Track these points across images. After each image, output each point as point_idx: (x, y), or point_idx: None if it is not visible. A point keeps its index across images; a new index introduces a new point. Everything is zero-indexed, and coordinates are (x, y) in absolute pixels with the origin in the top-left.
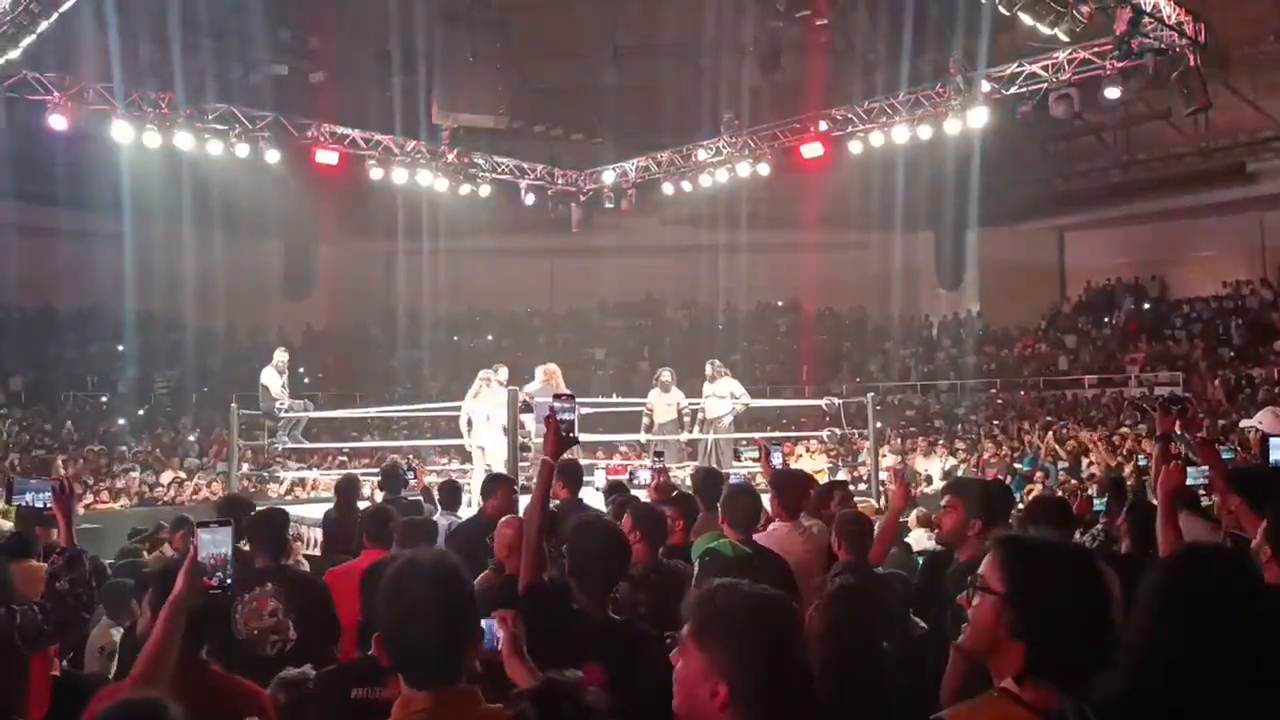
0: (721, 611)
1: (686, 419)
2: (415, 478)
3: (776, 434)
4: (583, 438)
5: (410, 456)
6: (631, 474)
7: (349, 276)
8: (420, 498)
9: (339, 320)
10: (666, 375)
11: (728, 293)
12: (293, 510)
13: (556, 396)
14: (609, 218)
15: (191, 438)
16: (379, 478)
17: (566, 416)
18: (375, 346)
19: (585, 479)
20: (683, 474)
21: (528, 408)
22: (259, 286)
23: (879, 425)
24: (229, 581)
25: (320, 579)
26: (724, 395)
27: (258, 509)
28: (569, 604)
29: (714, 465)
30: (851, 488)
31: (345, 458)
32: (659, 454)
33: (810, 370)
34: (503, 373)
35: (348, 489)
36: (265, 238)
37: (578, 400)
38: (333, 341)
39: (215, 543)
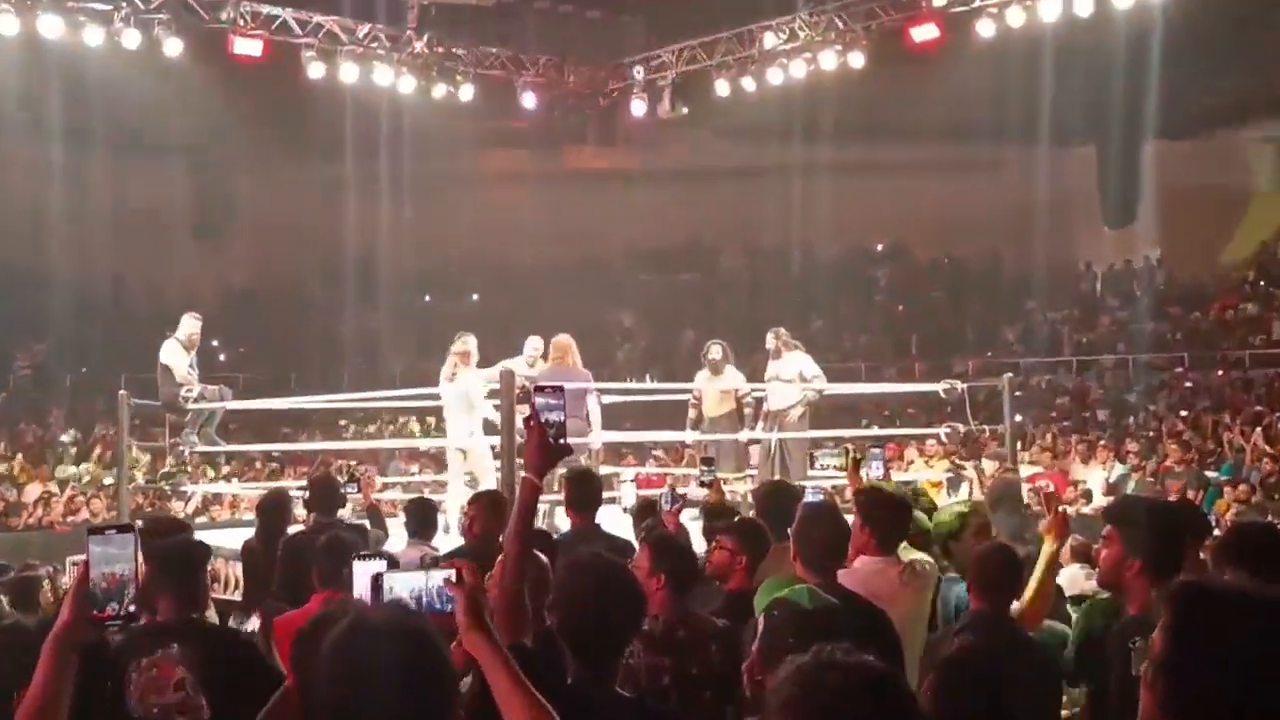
0: (814, 704)
1: (748, 411)
2: (359, 491)
3: (872, 432)
4: (606, 437)
5: (356, 465)
6: (672, 489)
7: (280, 215)
8: (366, 521)
9: (267, 275)
10: (718, 351)
11: (805, 234)
12: (205, 537)
13: (539, 389)
14: (640, 131)
15: (65, 437)
16: (305, 492)
17: (554, 416)
18: (317, 311)
19: (608, 495)
20: (743, 488)
21: (529, 396)
22: (157, 229)
23: (1018, 419)
24: (131, 609)
25: (244, 635)
26: (790, 377)
27: (161, 538)
28: (561, 675)
29: (783, 476)
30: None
31: (276, 464)
32: (708, 461)
33: (922, 341)
34: (469, 341)
35: (274, 510)
36: (165, 162)
37: (597, 386)
38: (259, 304)
39: (111, 558)
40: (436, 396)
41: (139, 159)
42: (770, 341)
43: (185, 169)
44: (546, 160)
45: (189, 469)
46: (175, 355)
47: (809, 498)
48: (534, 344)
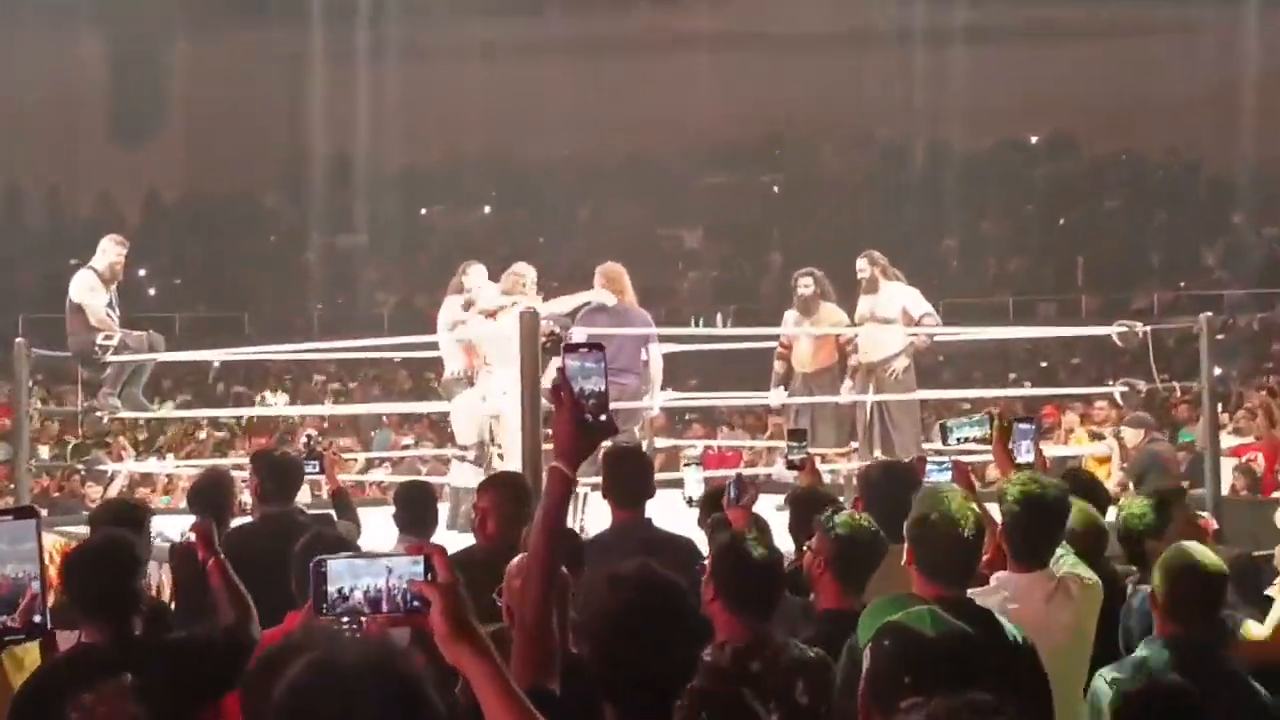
0: None
1: (853, 362)
2: (322, 471)
3: (1022, 391)
4: (666, 400)
5: (316, 435)
6: (738, 475)
7: (227, 99)
8: (332, 511)
9: (209, 181)
10: (810, 283)
11: (934, 121)
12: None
13: (570, 349)
14: None
15: None
16: (252, 472)
17: (591, 384)
18: (275, 229)
19: (665, 477)
20: (847, 468)
21: (559, 343)
22: (61, 124)
23: (1218, 372)
24: (36, 620)
25: (226, 639)
26: (891, 316)
27: (79, 537)
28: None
29: (886, 453)
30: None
31: (225, 434)
32: (798, 435)
33: (1091, 267)
34: (475, 274)
35: (211, 496)
36: (69, 35)
37: (656, 330)
38: (199, 221)
39: (2, 555)
40: (431, 343)
41: (33, 30)
42: (863, 268)
43: (97, 43)
44: (580, 24)
45: (108, 441)
46: (90, 291)
47: (931, 479)
48: (477, 273)
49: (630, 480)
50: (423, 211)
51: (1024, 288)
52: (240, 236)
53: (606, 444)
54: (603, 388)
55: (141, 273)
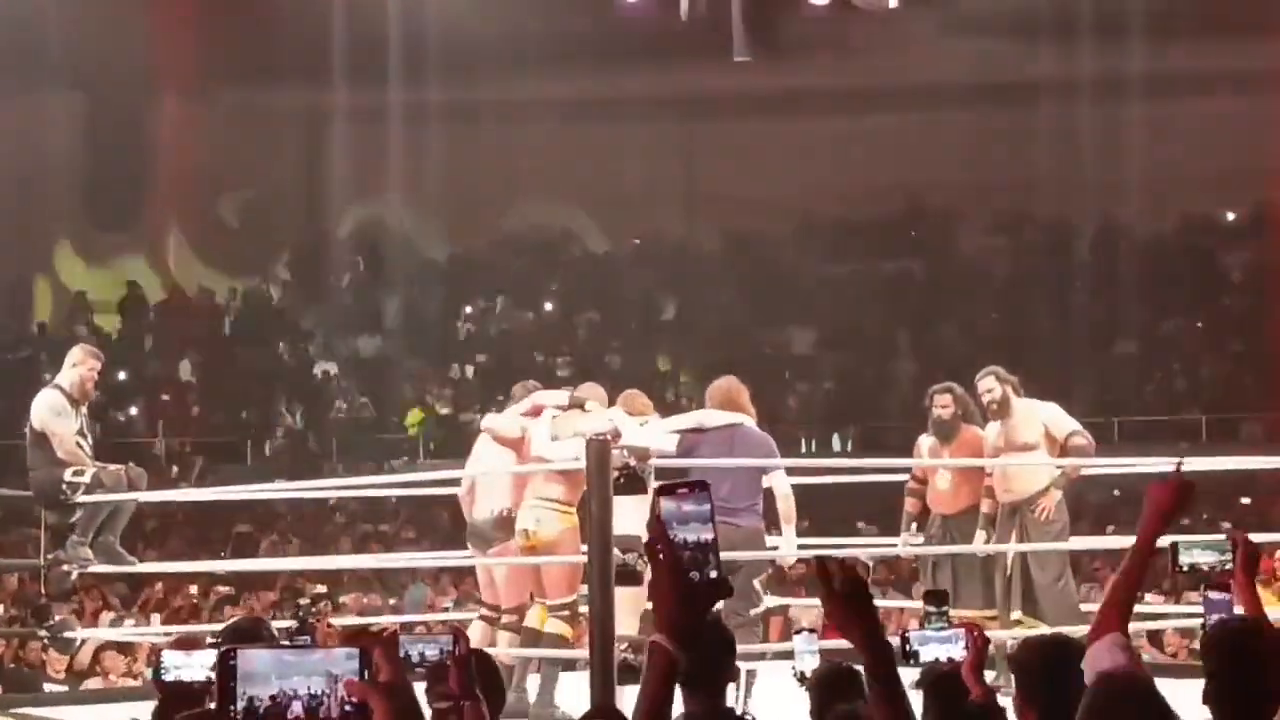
0: None
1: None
2: (313, 642)
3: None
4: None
5: (306, 606)
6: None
7: (228, 166)
8: None
9: (206, 275)
10: (948, 404)
11: (1103, 194)
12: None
13: (666, 491)
14: (819, 31)
15: None
16: (217, 643)
17: (695, 534)
18: (287, 331)
19: (769, 649)
20: (1003, 636)
21: (634, 478)
22: (28, 208)
23: None
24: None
25: None
26: (1033, 441)
27: None
28: None
29: (1027, 614)
30: None
31: (229, 589)
32: (936, 597)
33: None
34: (549, 397)
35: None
36: (43, 99)
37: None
38: (194, 323)
39: None
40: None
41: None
42: (991, 388)
43: (81, 100)
44: (662, 81)
45: (73, 602)
46: (56, 416)
47: (1100, 661)
48: (549, 396)
49: (705, 656)
50: (467, 309)
51: (1220, 402)
52: (244, 341)
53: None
54: (710, 537)
55: (121, 383)
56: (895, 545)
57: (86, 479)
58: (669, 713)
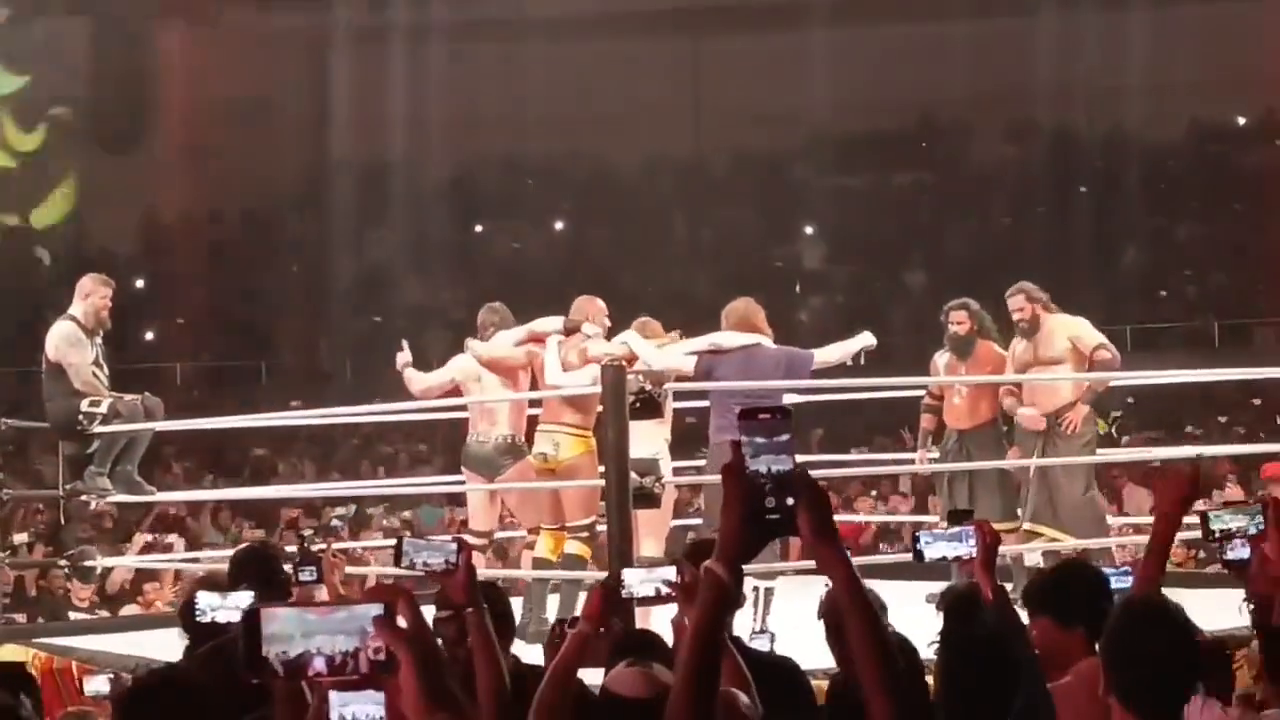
0: None
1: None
2: (318, 577)
3: (1232, 448)
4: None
5: (310, 536)
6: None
7: (233, 96)
8: None
9: (214, 199)
10: (964, 319)
11: (1117, 96)
12: (126, 647)
13: (750, 415)
14: None
15: None
16: (231, 574)
17: (778, 464)
18: (295, 255)
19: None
20: (1019, 550)
21: (650, 403)
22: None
23: None
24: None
25: None
26: (1058, 356)
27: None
28: None
29: (1051, 528)
30: None
31: (251, 525)
32: (958, 516)
33: None
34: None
35: (259, 568)
36: (43, 24)
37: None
38: (204, 247)
39: None
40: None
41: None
42: (1020, 306)
43: (79, 33)
44: None
45: (91, 532)
46: (72, 347)
47: (1118, 583)
48: (547, 323)
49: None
50: (477, 228)
51: (1233, 309)
52: (255, 266)
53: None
54: (787, 469)
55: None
56: (912, 459)
57: (103, 409)
58: (721, 641)
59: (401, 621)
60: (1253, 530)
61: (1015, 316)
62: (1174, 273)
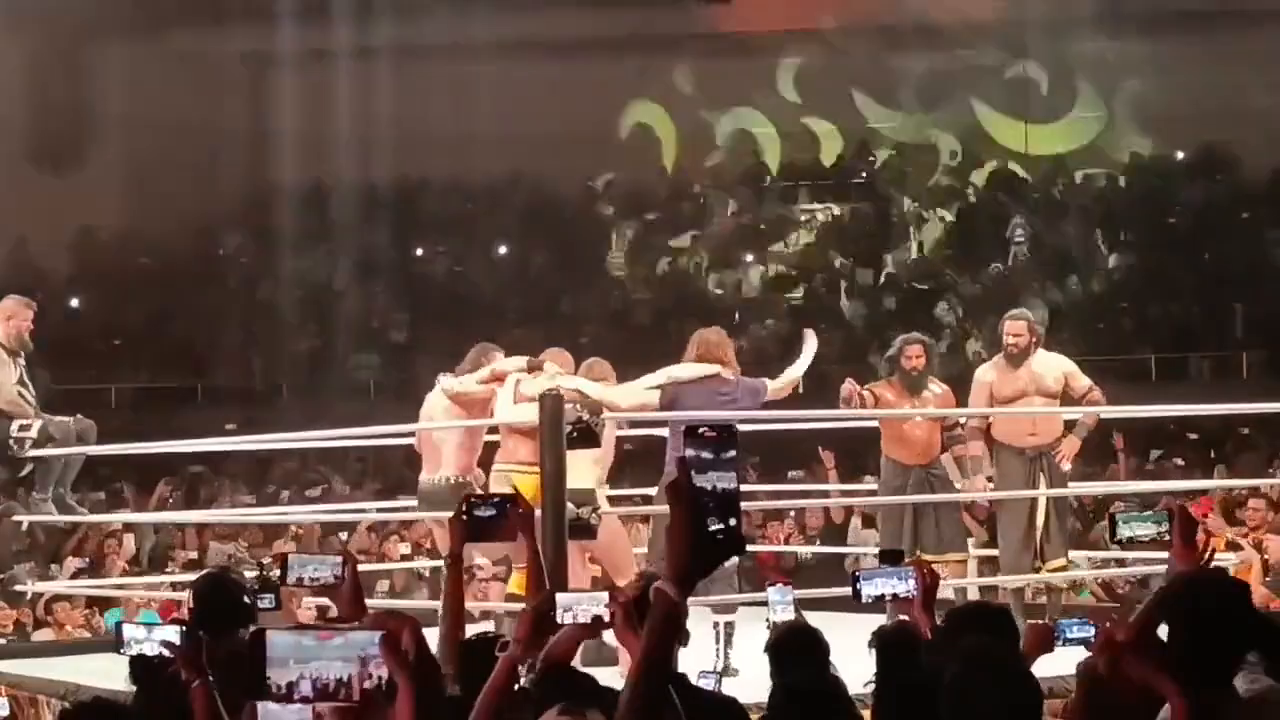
0: None
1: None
2: (276, 604)
3: (1167, 485)
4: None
5: (269, 565)
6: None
7: (171, 116)
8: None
9: (151, 217)
10: (918, 352)
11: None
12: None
13: (692, 434)
14: None
15: None
16: (189, 604)
17: (722, 482)
18: (234, 272)
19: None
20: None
21: (587, 433)
22: None
23: None
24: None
25: None
26: (1053, 390)
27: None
28: None
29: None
30: None
31: (189, 554)
32: (891, 559)
33: (1250, 315)
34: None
35: (215, 599)
36: None
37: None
38: (139, 266)
39: None
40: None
41: None
42: (1020, 333)
43: (16, 51)
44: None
45: (27, 556)
46: None
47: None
48: (510, 363)
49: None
50: (417, 251)
51: (1170, 342)
52: (190, 285)
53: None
54: (734, 487)
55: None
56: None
57: (34, 433)
58: (671, 660)
59: (408, 649)
60: (1157, 535)
61: (1010, 340)
62: (1111, 305)
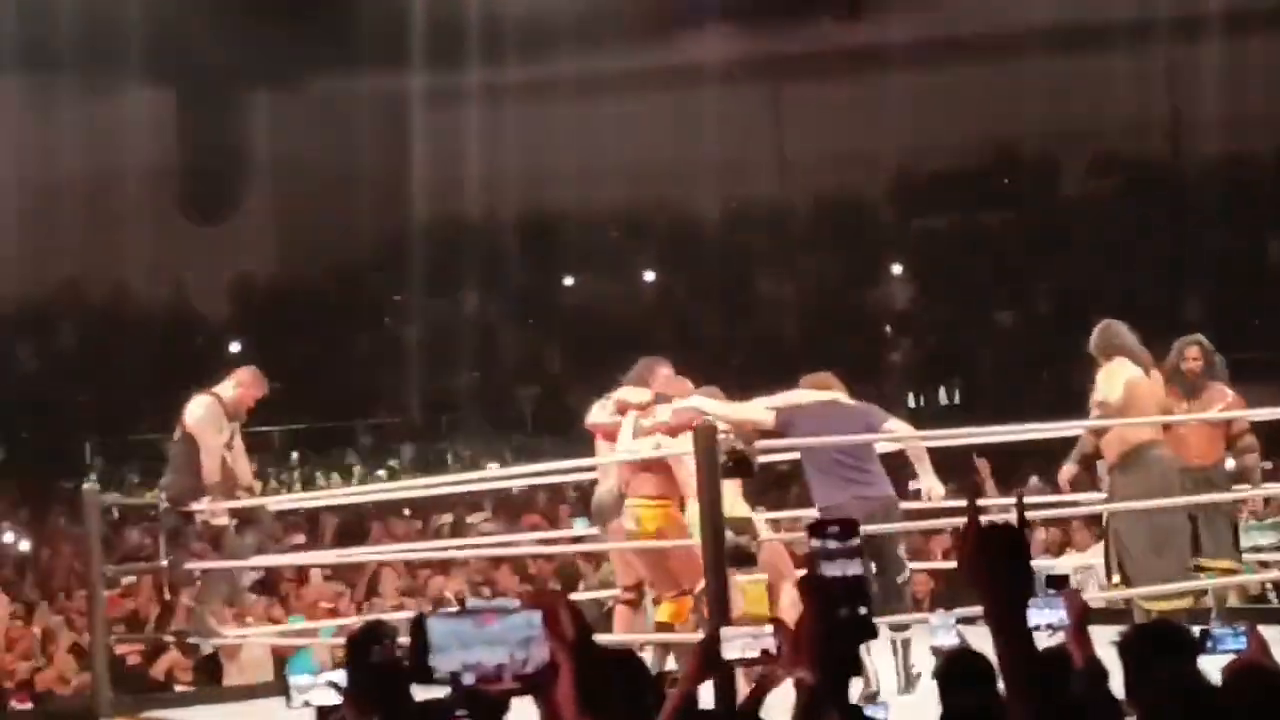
0: None
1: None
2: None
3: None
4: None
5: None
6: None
7: (322, 153)
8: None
9: (308, 259)
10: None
11: (1197, 125)
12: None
13: (820, 529)
14: None
15: None
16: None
17: (848, 569)
18: (386, 311)
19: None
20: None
21: (743, 462)
22: (127, 202)
23: None
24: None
25: None
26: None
27: None
28: None
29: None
30: None
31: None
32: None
33: None
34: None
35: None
36: (122, 81)
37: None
38: (301, 308)
39: None
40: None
41: (92, 93)
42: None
43: (165, 97)
44: (747, 42)
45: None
46: (208, 425)
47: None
48: (632, 394)
49: None
50: (567, 281)
51: None
52: (345, 326)
53: None
54: (860, 574)
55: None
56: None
57: (222, 521)
58: None
59: (566, 626)
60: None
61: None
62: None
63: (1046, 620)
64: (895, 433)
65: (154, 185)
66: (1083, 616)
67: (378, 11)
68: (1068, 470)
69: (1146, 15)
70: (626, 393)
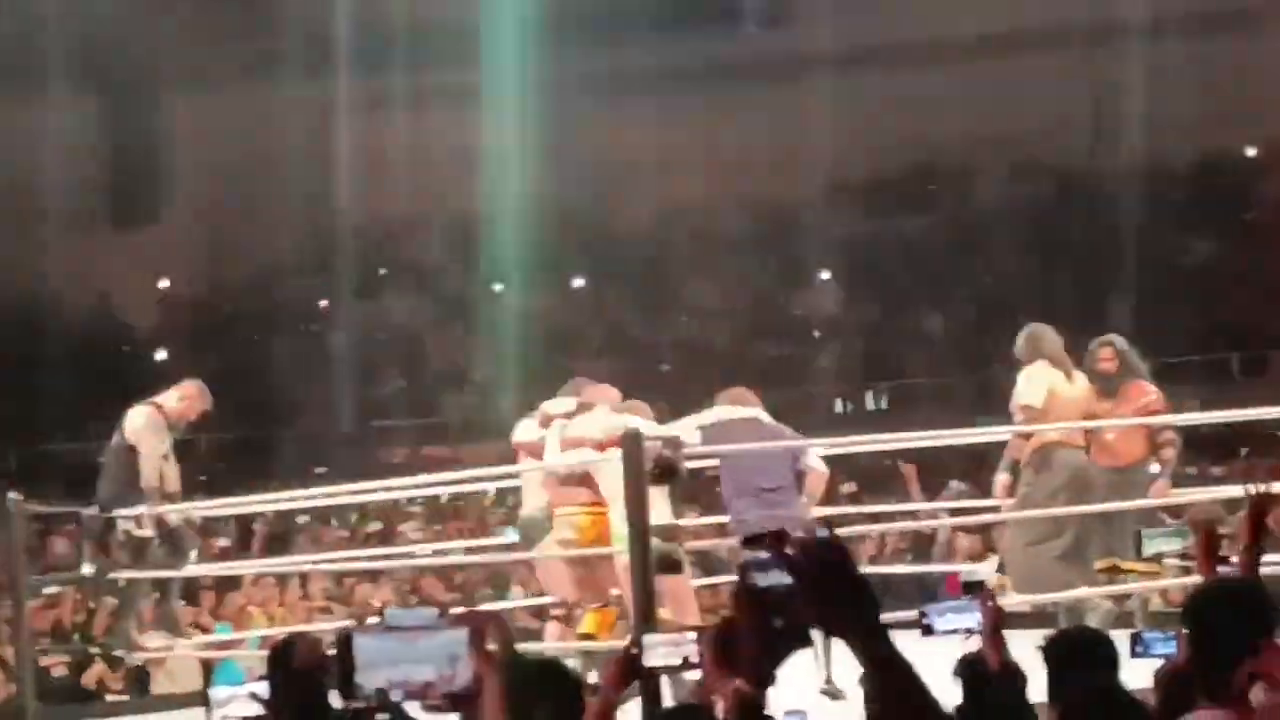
0: None
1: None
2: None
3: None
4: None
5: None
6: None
7: (237, 162)
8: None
9: (225, 268)
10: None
11: (1116, 131)
12: None
13: (747, 542)
14: None
15: None
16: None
17: (775, 578)
18: (311, 318)
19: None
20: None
21: (669, 470)
22: (51, 213)
23: None
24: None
25: None
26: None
27: None
28: None
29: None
30: None
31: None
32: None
33: None
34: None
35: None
36: (58, 92)
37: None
38: (222, 322)
39: None
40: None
41: (11, 96)
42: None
43: (95, 104)
44: (676, 53)
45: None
46: (149, 434)
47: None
48: (556, 405)
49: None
50: (496, 287)
51: (1249, 338)
52: (267, 332)
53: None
54: (788, 582)
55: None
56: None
57: (148, 532)
58: None
59: (492, 644)
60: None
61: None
62: (1196, 302)
63: (964, 625)
64: (811, 470)
65: (75, 192)
66: (998, 621)
67: (300, 15)
68: (1002, 479)
69: (1066, 21)
70: (550, 404)
